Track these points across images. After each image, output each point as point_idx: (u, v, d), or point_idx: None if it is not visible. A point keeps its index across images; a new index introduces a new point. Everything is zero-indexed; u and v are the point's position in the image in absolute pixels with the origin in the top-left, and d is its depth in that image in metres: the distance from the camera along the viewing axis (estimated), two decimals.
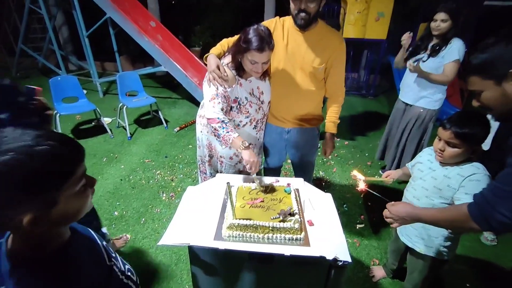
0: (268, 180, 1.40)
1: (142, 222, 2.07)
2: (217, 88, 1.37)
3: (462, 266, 1.77)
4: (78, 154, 0.55)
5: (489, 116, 0.99)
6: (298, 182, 1.43)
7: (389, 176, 1.33)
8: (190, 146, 3.24)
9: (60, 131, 3.06)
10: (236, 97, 1.43)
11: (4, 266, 0.53)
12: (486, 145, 1.11)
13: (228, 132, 1.36)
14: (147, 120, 3.90)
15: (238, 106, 1.45)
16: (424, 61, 2.10)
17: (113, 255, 0.72)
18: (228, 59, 1.42)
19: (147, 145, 3.21)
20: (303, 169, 1.77)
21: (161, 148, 3.18)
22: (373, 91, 5.43)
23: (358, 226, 2.07)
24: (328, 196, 1.35)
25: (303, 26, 1.40)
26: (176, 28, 4.87)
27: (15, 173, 0.45)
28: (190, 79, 4.03)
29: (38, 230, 0.51)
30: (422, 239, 1.24)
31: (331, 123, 1.64)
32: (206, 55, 1.48)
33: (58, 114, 3.02)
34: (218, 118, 1.37)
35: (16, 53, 5.36)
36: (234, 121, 1.50)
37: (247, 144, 1.35)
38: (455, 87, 4.62)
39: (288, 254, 1.01)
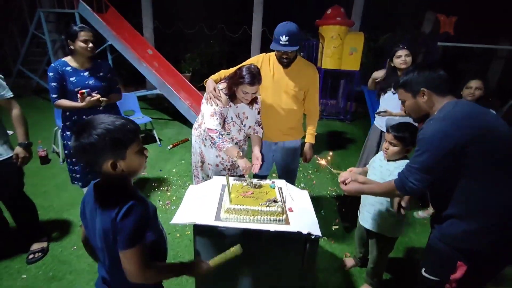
0: (256, 180, 1.71)
1: None
2: (215, 107, 1.71)
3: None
4: (137, 129, 0.90)
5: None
6: (281, 183, 1.75)
7: (352, 171, 1.66)
8: (183, 162, 3.50)
9: (61, 145, 3.24)
10: (226, 116, 1.77)
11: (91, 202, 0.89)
12: None
13: (223, 142, 1.68)
14: (141, 138, 4.15)
15: (223, 123, 1.77)
16: (394, 93, 2.27)
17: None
18: (223, 85, 1.77)
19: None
20: (287, 175, 2.10)
21: (156, 163, 3.42)
22: (349, 116, 6.00)
23: (334, 227, 2.37)
24: (305, 192, 1.67)
25: (285, 66, 1.84)
26: (168, 56, 5.29)
27: (104, 136, 0.79)
28: (183, 101, 4.39)
29: (115, 175, 0.85)
30: (375, 221, 1.58)
31: (309, 134, 2.03)
32: (205, 80, 1.84)
33: (59, 130, 3.23)
34: (216, 129, 1.70)
35: (13, 74, 5.56)
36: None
37: (241, 154, 1.69)
38: None
39: (273, 230, 1.31)
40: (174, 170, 3.28)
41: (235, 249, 1.07)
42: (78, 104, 1.95)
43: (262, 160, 1.80)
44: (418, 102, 1.17)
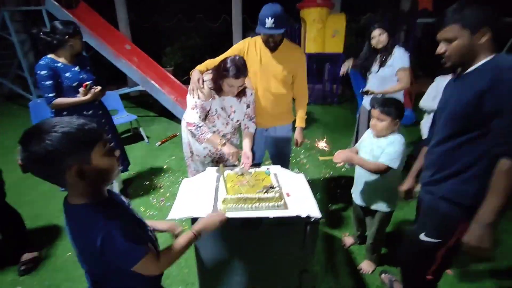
0: (251, 169, 1.69)
1: None
2: (197, 99, 1.65)
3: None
4: (100, 129, 0.78)
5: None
6: (276, 168, 1.73)
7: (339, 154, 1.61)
8: (173, 157, 3.43)
9: None
10: (209, 109, 1.71)
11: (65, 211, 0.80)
12: (424, 135, 1.55)
13: (202, 134, 1.65)
14: (127, 137, 4.03)
15: (207, 116, 1.72)
16: (376, 72, 2.35)
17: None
18: (208, 76, 1.70)
19: (131, 160, 3.33)
20: (280, 161, 2.08)
21: (145, 161, 3.33)
22: (336, 99, 6.03)
23: (330, 208, 2.40)
24: (301, 175, 1.66)
25: (272, 49, 1.78)
26: (147, 50, 5.10)
27: (60, 139, 0.69)
28: (167, 96, 4.27)
29: (84, 184, 0.75)
30: (370, 198, 1.62)
31: (299, 118, 2.00)
32: (191, 71, 1.77)
33: None
34: (193, 123, 1.65)
35: None
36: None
37: (224, 141, 1.65)
38: (405, 92, 5.35)
39: (272, 217, 1.29)
40: (165, 167, 3.20)
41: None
42: (82, 98, 1.96)
43: (253, 159, 1.74)
44: (473, 43, 0.99)
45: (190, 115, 1.66)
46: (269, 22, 1.64)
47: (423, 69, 5.96)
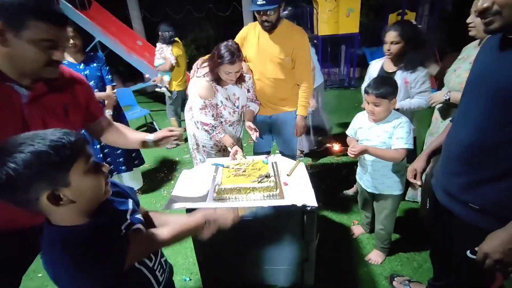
0: (250, 157, 1.66)
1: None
2: (204, 100, 1.66)
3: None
4: (79, 141, 0.65)
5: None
6: (276, 157, 1.68)
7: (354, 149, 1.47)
8: (185, 150, 3.49)
9: None
10: (216, 102, 1.71)
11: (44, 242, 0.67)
12: None
13: (217, 133, 1.70)
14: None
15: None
16: None
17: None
18: (205, 70, 1.68)
19: (144, 153, 3.44)
20: (287, 149, 2.03)
21: (159, 154, 3.43)
22: (354, 82, 5.75)
23: (342, 194, 2.32)
24: (301, 164, 1.60)
25: (268, 30, 1.71)
26: None
27: (27, 162, 0.57)
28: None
29: (64, 211, 0.64)
30: (379, 183, 1.52)
31: (301, 106, 1.90)
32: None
33: None
34: (209, 123, 1.70)
35: None
36: None
37: (234, 144, 1.69)
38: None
39: (266, 206, 1.26)
40: (177, 159, 3.28)
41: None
42: (99, 94, 2.10)
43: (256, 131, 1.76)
44: None
45: (203, 117, 1.70)
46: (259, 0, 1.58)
47: (452, 45, 5.48)
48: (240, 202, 1.29)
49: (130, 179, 2.53)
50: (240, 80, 1.72)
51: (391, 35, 1.65)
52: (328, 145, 1.64)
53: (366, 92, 1.40)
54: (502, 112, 0.80)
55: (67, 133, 0.64)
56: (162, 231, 0.81)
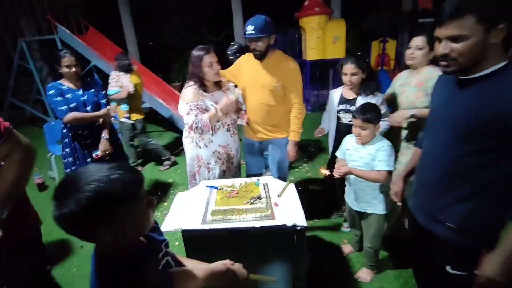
0: (243, 179, 1.74)
1: None
2: (189, 103, 1.79)
3: None
4: (140, 178, 0.68)
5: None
6: (268, 179, 1.77)
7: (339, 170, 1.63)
8: (179, 171, 3.53)
9: (56, 170, 3.30)
10: (206, 107, 1.83)
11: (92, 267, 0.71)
12: None
13: (203, 120, 1.78)
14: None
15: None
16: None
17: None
18: (190, 83, 1.84)
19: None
20: (279, 171, 2.10)
21: (152, 175, 3.46)
22: None
23: (333, 216, 2.39)
24: (292, 185, 1.69)
25: (259, 58, 1.86)
26: (156, 67, 5.33)
27: (99, 198, 0.60)
28: (172, 111, 4.42)
29: (116, 244, 0.67)
30: (366, 202, 1.62)
31: (292, 132, 1.98)
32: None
33: (53, 156, 3.28)
34: (192, 121, 1.77)
35: (5, 106, 5.63)
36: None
37: (216, 105, 1.82)
38: None
39: (258, 226, 1.33)
40: (170, 180, 3.31)
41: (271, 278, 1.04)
42: (94, 114, 2.17)
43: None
44: (487, 42, 0.81)
45: (188, 120, 1.79)
46: (249, 29, 1.75)
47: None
48: (233, 223, 1.36)
49: None
50: (222, 85, 1.94)
51: (350, 67, 1.83)
52: (319, 168, 1.75)
53: (354, 116, 1.54)
54: (463, 143, 0.92)
55: (128, 169, 0.67)
56: (198, 273, 0.84)
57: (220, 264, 0.93)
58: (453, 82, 0.98)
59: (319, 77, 6.24)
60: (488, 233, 0.92)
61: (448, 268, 1.03)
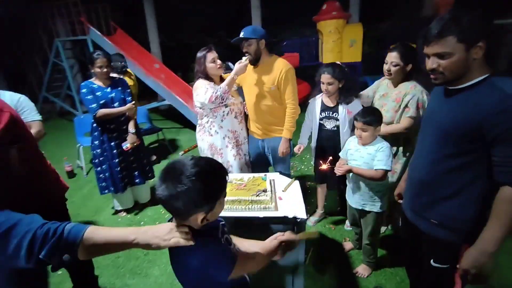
0: (251, 174, 1.88)
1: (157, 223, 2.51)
2: (206, 86, 2.01)
3: None
4: (226, 171, 0.81)
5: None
6: (274, 175, 1.90)
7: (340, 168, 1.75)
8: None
9: (83, 160, 3.60)
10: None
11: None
12: None
13: (221, 88, 1.96)
14: (155, 148, 4.46)
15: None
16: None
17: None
18: (198, 79, 2.07)
19: (157, 169, 3.70)
20: (281, 168, 2.25)
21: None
22: None
23: (334, 213, 2.48)
24: (296, 182, 1.81)
25: (252, 63, 2.03)
26: (176, 67, 5.61)
27: (206, 176, 0.73)
28: (190, 109, 4.65)
29: (204, 224, 0.80)
30: (364, 201, 1.72)
31: (285, 129, 2.10)
32: None
33: (81, 147, 3.58)
34: (212, 93, 1.96)
35: (39, 100, 6.12)
36: (219, 114, 2.11)
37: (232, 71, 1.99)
38: None
39: (262, 216, 1.47)
40: None
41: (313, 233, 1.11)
42: (121, 109, 2.37)
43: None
44: (468, 58, 0.92)
45: (207, 96, 1.97)
46: (241, 34, 1.95)
47: None
48: (240, 212, 1.51)
49: (142, 191, 2.77)
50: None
51: (325, 77, 1.92)
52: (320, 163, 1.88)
53: (355, 119, 1.65)
54: (446, 147, 1.03)
55: (217, 164, 0.79)
56: (259, 254, 0.94)
57: (272, 240, 0.98)
58: (442, 91, 1.09)
59: None
60: (467, 229, 1.02)
61: (431, 261, 1.13)
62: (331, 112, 2.03)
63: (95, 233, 0.76)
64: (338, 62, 1.99)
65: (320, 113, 2.07)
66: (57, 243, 0.71)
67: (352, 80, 1.98)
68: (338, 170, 1.70)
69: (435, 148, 1.06)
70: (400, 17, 6.35)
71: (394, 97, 1.81)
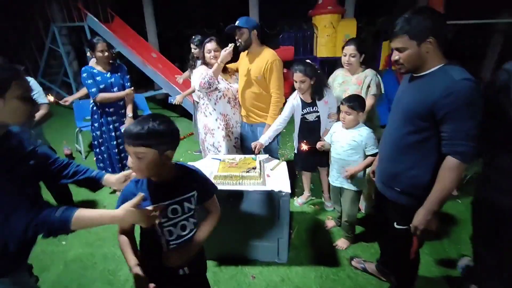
0: (243, 156, 2.05)
1: None
2: (203, 73, 2.17)
3: None
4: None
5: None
6: (264, 156, 2.07)
7: (320, 144, 2.01)
8: (188, 152, 3.88)
9: (82, 144, 3.72)
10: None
11: None
12: None
13: (207, 75, 2.12)
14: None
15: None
16: None
17: None
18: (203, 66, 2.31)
19: None
20: (268, 151, 2.39)
21: None
22: None
23: (322, 199, 2.67)
24: (283, 163, 1.99)
25: (242, 49, 2.20)
26: (173, 57, 5.68)
27: (166, 131, 0.98)
28: (187, 98, 4.76)
29: (166, 161, 1.02)
30: (344, 179, 1.89)
31: (269, 117, 2.24)
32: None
33: (80, 131, 3.69)
34: (202, 80, 2.13)
35: None
36: (213, 98, 2.29)
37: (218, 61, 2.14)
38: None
39: (251, 190, 1.64)
40: (181, 159, 3.66)
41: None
42: (119, 93, 2.50)
43: None
44: (421, 52, 1.10)
45: (199, 81, 2.15)
46: (236, 23, 2.11)
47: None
48: (231, 186, 1.68)
49: None
50: (227, 70, 2.35)
51: (298, 76, 2.06)
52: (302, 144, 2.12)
53: (341, 103, 1.82)
54: (407, 125, 1.21)
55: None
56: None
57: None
58: (407, 78, 1.28)
59: (328, 73, 6.41)
60: (422, 195, 1.18)
61: (395, 224, 1.33)
62: (311, 108, 2.18)
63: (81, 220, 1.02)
64: (309, 61, 2.14)
65: (302, 110, 2.20)
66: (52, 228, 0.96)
67: (322, 76, 2.15)
68: (348, 176, 1.82)
69: (398, 127, 1.24)
70: (396, 13, 6.48)
71: (355, 81, 2.07)
